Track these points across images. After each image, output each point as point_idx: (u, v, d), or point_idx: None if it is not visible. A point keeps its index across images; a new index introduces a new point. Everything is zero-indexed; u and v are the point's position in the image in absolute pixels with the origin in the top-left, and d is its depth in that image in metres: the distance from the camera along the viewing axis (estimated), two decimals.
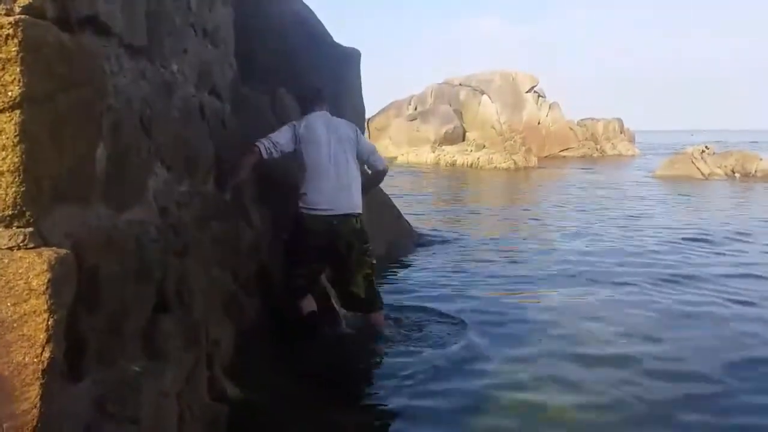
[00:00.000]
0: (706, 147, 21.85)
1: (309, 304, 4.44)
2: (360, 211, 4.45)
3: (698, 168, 20.18)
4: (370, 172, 4.79)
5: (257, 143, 4.22)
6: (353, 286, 4.44)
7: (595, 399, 3.66)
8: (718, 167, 20.45)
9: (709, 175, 19.84)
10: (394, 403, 3.66)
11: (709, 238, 8.93)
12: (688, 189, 16.56)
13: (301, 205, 4.37)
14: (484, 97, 32.03)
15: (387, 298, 4.91)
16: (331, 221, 4.31)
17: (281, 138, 4.30)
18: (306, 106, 4.59)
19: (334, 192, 4.33)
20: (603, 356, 4.33)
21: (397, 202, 8.55)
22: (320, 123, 4.45)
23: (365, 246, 4.47)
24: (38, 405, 1.43)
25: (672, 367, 4.14)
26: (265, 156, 4.24)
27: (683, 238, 8.87)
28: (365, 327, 4.59)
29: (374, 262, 4.59)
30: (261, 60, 4.95)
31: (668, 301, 5.64)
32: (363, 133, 5.16)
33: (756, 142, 46.44)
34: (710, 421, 3.41)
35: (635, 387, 3.79)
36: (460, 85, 33.27)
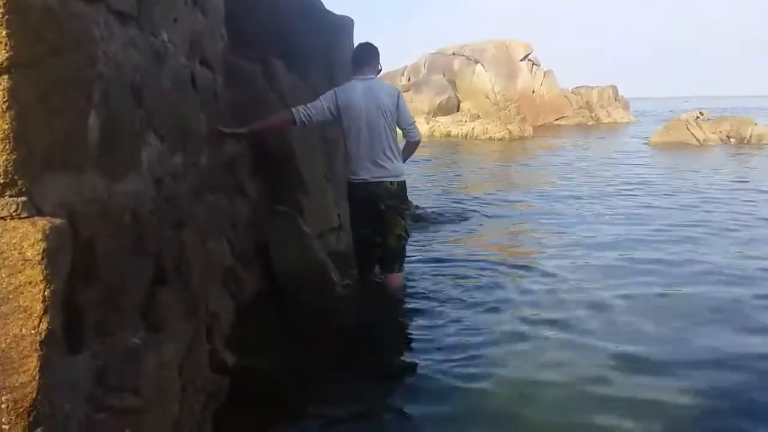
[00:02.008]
0: (700, 113, 21.84)
1: (369, 273, 4.84)
2: (395, 178, 4.60)
3: (693, 134, 20.13)
4: (404, 140, 4.86)
5: (293, 110, 4.45)
6: (386, 244, 4.67)
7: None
8: (713, 133, 20.42)
9: (704, 141, 19.81)
10: (395, 369, 3.70)
11: None
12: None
13: (348, 174, 4.70)
14: (478, 66, 31.78)
15: None
16: (368, 186, 4.55)
17: (316, 108, 4.48)
18: (352, 71, 4.67)
19: (371, 160, 4.52)
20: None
21: None
22: (359, 90, 4.53)
23: (402, 207, 4.74)
24: (37, 377, 1.41)
25: None
26: (297, 123, 4.48)
27: None
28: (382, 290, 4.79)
29: (407, 225, 4.86)
30: (251, 30, 4.86)
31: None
32: None
33: (749, 108, 46.33)
34: None
35: None
36: (454, 54, 32.99)
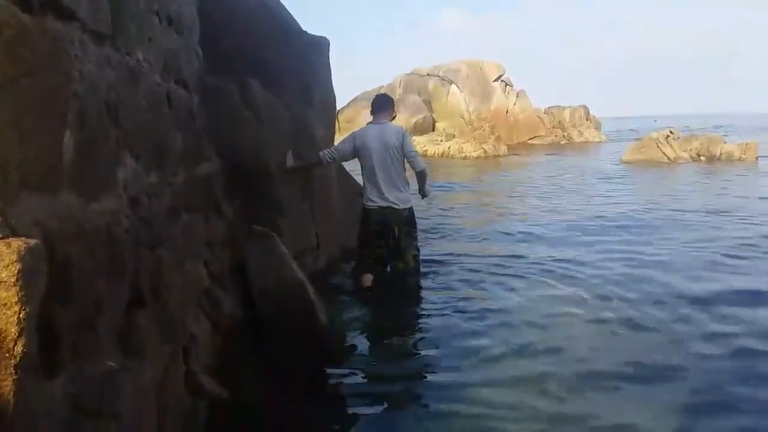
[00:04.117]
0: (670, 131, 22.15)
1: (366, 279, 5.53)
2: (405, 205, 5.47)
3: (664, 153, 20.45)
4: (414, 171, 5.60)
5: (321, 153, 5.56)
6: (401, 261, 5.54)
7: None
8: (684, 151, 20.76)
9: (675, 159, 20.14)
10: (376, 397, 3.64)
11: None
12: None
13: (363, 201, 5.56)
14: (453, 86, 32.12)
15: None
16: (384, 211, 5.41)
17: (339, 151, 5.61)
18: (371, 116, 5.63)
19: (383, 189, 5.38)
20: None
21: None
22: (373, 133, 5.47)
23: (413, 231, 5.63)
24: (12, 401, 1.36)
25: None
26: (324, 163, 5.63)
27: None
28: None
29: (419, 248, 5.75)
30: (226, 50, 4.86)
31: None
32: (334, 125, 6.52)
33: (720, 126, 47.21)
34: None
35: None
36: (428, 75, 33.31)
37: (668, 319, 4.72)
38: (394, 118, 5.75)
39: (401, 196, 5.44)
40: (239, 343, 3.90)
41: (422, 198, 5.75)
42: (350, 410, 3.48)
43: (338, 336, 4.49)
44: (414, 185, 5.63)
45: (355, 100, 32.63)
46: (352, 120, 30.24)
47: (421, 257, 5.79)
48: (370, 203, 5.46)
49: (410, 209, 5.54)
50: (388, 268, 5.64)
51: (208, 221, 4.02)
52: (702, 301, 5.10)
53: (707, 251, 7.00)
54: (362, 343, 4.45)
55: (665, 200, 11.32)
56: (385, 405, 3.54)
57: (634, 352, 4.09)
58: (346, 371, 3.94)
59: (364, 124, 5.81)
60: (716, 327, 4.54)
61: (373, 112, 5.66)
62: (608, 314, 4.86)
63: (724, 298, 5.20)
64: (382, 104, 5.70)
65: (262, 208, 4.90)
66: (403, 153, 5.42)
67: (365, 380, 3.83)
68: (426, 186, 5.69)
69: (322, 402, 3.56)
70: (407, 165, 5.50)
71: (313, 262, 5.67)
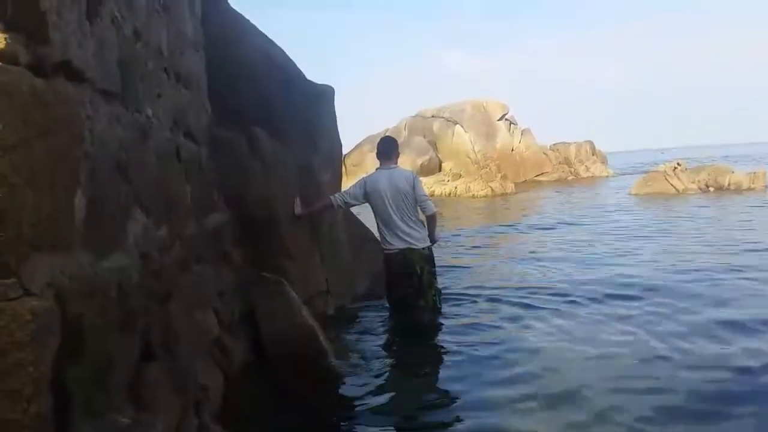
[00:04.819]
0: (678, 163, 22.19)
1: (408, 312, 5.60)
2: (423, 244, 5.53)
3: (672, 184, 20.46)
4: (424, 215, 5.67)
5: (331, 197, 5.69)
6: (423, 300, 5.56)
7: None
8: (692, 182, 20.76)
9: (683, 190, 20.13)
10: None
11: None
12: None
13: (382, 247, 5.65)
14: (458, 127, 32.41)
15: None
16: (405, 252, 5.47)
17: (350, 195, 5.66)
18: (378, 161, 5.71)
19: (400, 231, 5.46)
20: None
21: None
22: (383, 178, 5.53)
23: (433, 269, 5.66)
24: None
25: None
26: (335, 207, 5.72)
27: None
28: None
29: (439, 287, 5.82)
30: (233, 101, 4.97)
31: None
32: (340, 170, 6.57)
33: (728, 156, 47.12)
34: None
35: None
36: (433, 116, 33.67)
37: None
38: (398, 157, 5.82)
39: (418, 236, 5.52)
40: (250, 388, 3.89)
41: (432, 244, 5.76)
42: None
43: (350, 378, 4.45)
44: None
45: (360, 144, 32.95)
46: (358, 164, 30.50)
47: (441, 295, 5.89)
48: (390, 248, 5.53)
49: (429, 248, 5.61)
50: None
51: (217, 270, 4.05)
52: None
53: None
54: (377, 385, 4.37)
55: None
56: None
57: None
58: (357, 412, 3.90)
59: (370, 168, 5.89)
60: None
61: (379, 157, 5.73)
62: None
63: None
64: (388, 148, 5.77)
65: (271, 255, 4.94)
66: (414, 197, 5.48)
67: (376, 421, 3.78)
68: (436, 231, 5.76)
69: None
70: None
71: (323, 306, 5.67)
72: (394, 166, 5.66)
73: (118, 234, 2.22)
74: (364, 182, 5.63)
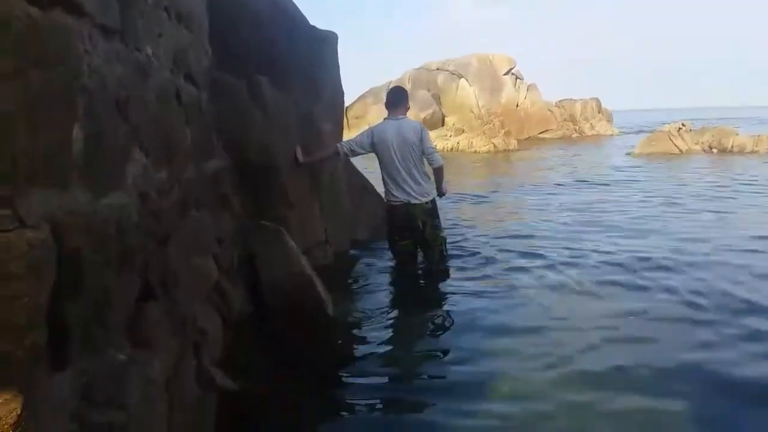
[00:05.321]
0: (682, 124, 22.05)
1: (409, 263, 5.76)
2: (426, 198, 5.54)
3: (676, 145, 20.35)
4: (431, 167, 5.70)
5: (338, 145, 5.69)
6: (428, 251, 5.71)
7: None
8: (696, 143, 20.65)
9: (686, 151, 20.02)
10: (388, 389, 3.63)
11: None
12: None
13: (385, 197, 5.70)
14: (462, 80, 32.02)
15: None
16: (407, 206, 5.49)
17: (356, 143, 5.62)
18: (387, 111, 5.64)
19: (405, 185, 5.45)
20: None
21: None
22: (391, 129, 5.48)
23: (438, 222, 5.71)
24: (21, 393, 1.38)
25: None
26: (341, 155, 5.72)
27: None
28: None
29: (444, 236, 5.88)
30: (235, 45, 4.88)
31: None
32: (342, 120, 6.57)
33: (736, 118, 46.70)
34: None
35: None
36: (438, 69, 33.23)
37: None
38: (407, 109, 5.78)
39: (423, 190, 5.53)
40: (248, 336, 3.93)
41: (439, 197, 5.74)
42: (360, 401, 3.48)
43: (348, 328, 4.49)
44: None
45: (363, 95, 32.63)
46: (360, 116, 30.26)
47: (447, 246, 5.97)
48: (393, 200, 5.56)
49: (433, 201, 5.63)
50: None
51: (216, 216, 4.04)
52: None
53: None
54: (373, 335, 4.42)
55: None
56: (397, 397, 3.54)
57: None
58: (356, 363, 3.95)
59: (372, 121, 5.87)
60: None
61: (387, 107, 5.67)
62: None
63: None
64: (397, 98, 5.70)
65: (271, 204, 4.93)
66: (421, 149, 5.46)
67: (376, 372, 3.83)
68: (443, 184, 5.81)
69: (332, 393, 3.56)
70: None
71: (322, 256, 5.68)
72: (403, 116, 5.62)
73: (117, 173, 2.20)
74: (371, 131, 5.60)
